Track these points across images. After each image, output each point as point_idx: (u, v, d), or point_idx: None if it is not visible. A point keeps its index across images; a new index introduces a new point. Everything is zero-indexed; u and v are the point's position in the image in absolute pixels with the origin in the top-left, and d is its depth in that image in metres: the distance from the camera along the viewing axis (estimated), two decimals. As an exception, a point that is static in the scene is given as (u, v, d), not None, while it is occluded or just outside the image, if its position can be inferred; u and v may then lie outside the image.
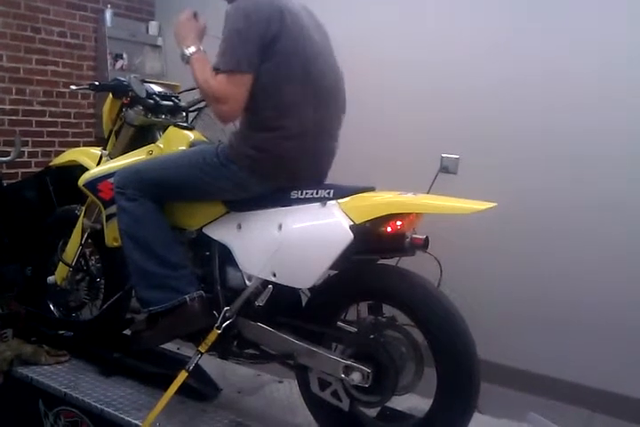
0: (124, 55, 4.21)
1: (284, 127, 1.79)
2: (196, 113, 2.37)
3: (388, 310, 1.81)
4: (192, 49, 1.81)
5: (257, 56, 1.71)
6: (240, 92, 1.73)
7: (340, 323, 1.89)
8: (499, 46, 3.13)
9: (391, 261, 1.91)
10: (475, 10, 3.21)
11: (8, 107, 3.73)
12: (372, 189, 1.81)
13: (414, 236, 1.73)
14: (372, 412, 1.97)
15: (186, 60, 1.82)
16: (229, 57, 1.71)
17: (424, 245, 1.73)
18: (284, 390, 2.30)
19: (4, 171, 3.42)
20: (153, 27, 4.40)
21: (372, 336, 1.77)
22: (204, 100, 2.24)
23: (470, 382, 1.66)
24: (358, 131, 3.51)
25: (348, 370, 1.73)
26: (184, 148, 2.08)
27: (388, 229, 1.71)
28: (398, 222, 1.71)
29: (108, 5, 4.15)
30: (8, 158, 2.04)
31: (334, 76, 1.92)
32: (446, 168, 3.15)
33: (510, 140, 3.12)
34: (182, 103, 2.35)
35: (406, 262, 1.89)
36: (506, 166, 3.12)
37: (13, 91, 3.77)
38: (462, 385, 1.66)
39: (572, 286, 2.99)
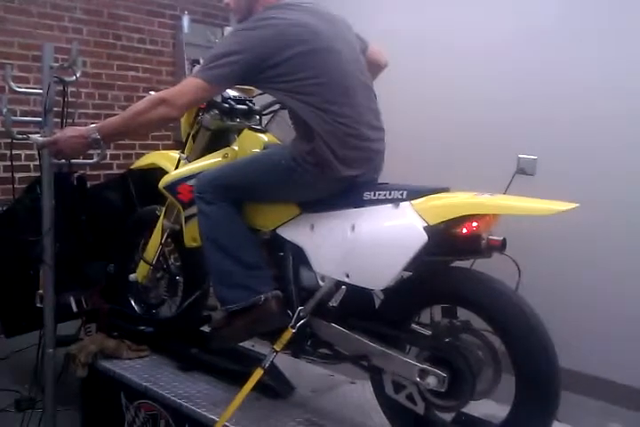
0: (201, 61, 4.31)
1: (339, 124, 1.81)
2: (270, 116, 2.41)
3: (462, 314, 1.78)
4: (94, 132, 1.84)
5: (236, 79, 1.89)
6: (200, 99, 1.95)
7: (413, 325, 1.88)
8: (581, 45, 3.02)
9: (465, 264, 1.88)
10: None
11: (91, 111, 3.91)
12: (446, 190, 1.78)
13: (491, 237, 1.69)
14: (447, 416, 1.94)
15: (100, 139, 1.85)
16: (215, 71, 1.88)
17: (501, 246, 1.69)
18: (357, 392, 2.30)
19: (88, 173, 3.59)
20: (228, 32, 4.49)
21: (447, 340, 1.74)
22: (277, 104, 2.28)
23: (550, 391, 1.61)
24: (431, 131, 3.49)
25: (423, 374, 1.71)
26: (258, 150, 2.12)
27: (464, 230, 1.68)
28: (474, 224, 1.67)
29: (186, 12, 4.28)
30: (92, 161, 2.15)
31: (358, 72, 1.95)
32: (523, 169, 3.05)
33: (593, 141, 2.99)
34: (256, 107, 2.39)
35: (480, 265, 1.86)
36: (588, 168, 3.00)
37: (96, 96, 3.96)
38: (542, 393, 1.61)
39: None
